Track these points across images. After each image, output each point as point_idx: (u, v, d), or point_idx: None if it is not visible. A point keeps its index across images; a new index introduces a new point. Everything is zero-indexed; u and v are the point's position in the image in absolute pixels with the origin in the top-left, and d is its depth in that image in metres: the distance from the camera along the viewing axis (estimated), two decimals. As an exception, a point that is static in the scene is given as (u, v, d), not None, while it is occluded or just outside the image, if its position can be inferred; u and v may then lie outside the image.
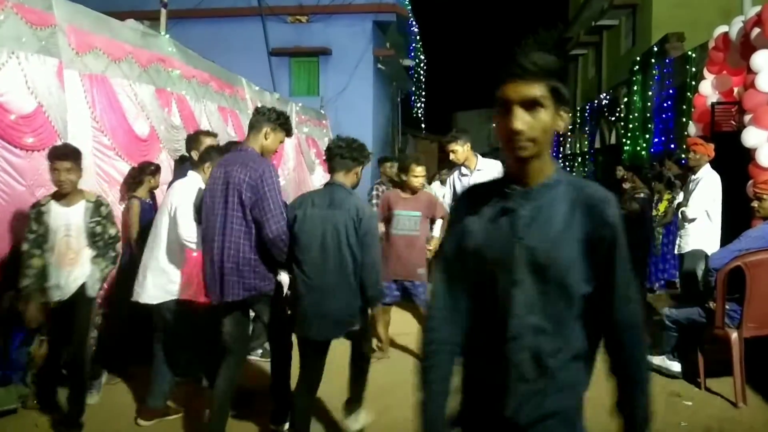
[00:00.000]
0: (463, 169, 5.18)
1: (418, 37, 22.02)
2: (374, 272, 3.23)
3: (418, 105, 24.69)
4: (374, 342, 4.00)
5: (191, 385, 4.33)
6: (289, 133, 3.65)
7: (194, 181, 3.88)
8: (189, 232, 3.67)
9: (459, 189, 5.22)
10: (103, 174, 5.27)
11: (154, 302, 3.83)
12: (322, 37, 16.32)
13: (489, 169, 5.03)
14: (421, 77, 23.98)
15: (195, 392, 4.26)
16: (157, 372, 3.94)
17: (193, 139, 4.64)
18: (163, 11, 7.17)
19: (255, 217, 3.29)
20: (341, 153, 3.36)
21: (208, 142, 4.46)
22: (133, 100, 5.69)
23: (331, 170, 3.41)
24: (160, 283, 3.82)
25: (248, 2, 16.02)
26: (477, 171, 5.08)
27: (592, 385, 1.68)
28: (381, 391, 4.12)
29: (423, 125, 25.93)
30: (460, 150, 5.05)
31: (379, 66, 17.25)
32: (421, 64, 23.50)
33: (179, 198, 3.77)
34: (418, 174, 5.00)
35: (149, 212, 4.77)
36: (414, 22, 20.56)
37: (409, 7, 19.01)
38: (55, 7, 4.76)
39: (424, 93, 24.97)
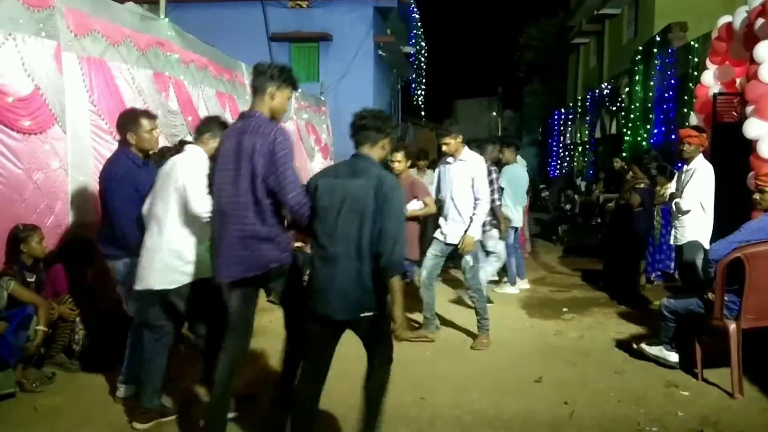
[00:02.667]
0: (449, 158, 5.39)
1: (419, 24, 21.90)
2: (392, 241, 2.93)
3: (419, 92, 24.60)
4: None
5: (186, 383, 4.15)
6: (295, 86, 3.36)
7: (197, 154, 3.59)
8: (204, 207, 3.36)
9: (443, 176, 5.47)
10: (100, 158, 5.24)
11: (170, 287, 3.49)
12: (322, 22, 16.23)
13: (471, 160, 5.33)
14: (422, 64, 23.87)
15: (190, 390, 4.09)
16: (149, 368, 3.66)
17: (130, 120, 4.02)
18: (163, -6, 7.11)
19: (271, 187, 3.10)
20: (364, 124, 3.14)
21: (146, 125, 3.98)
22: (131, 83, 5.66)
23: (357, 144, 3.18)
24: (173, 265, 3.48)
25: (248, -14, 15.90)
26: (460, 161, 5.32)
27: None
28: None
29: (423, 113, 25.83)
30: (453, 142, 5.29)
31: (380, 52, 17.17)
32: (422, 51, 23.39)
33: (186, 173, 3.46)
34: (395, 159, 5.67)
35: None
36: (415, 9, 20.43)
37: (411, -6, 18.88)
38: (54, -12, 4.72)
39: (424, 80, 24.85)
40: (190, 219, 3.46)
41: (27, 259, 4.26)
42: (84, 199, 5.04)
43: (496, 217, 6.40)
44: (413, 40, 21.28)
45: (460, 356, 4.97)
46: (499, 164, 7.94)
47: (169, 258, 3.49)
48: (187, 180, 3.43)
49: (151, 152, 4.16)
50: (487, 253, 6.50)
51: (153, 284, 3.52)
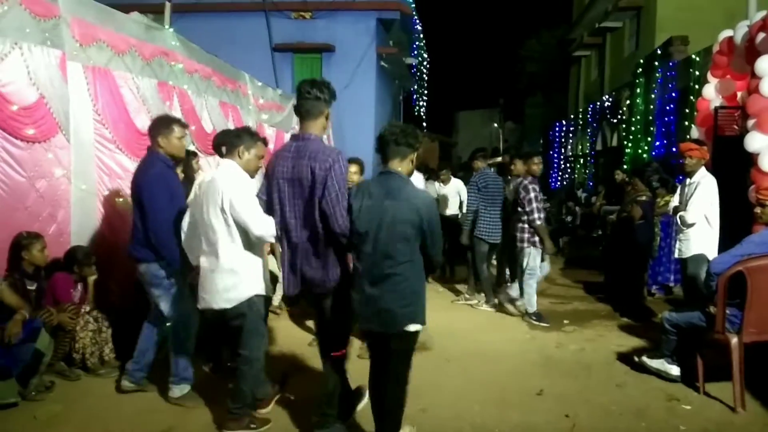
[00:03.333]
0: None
1: (421, 36, 22.00)
2: (437, 254, 3.15)
3: (420, 104, 24.66)
4: None
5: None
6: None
7: (236, 170, 3.55)
8: (266, 229, 3.38)
9: None
10: (104, 167, 5.26)
11: (228, 306, 3.52)
12: (325, 33, 16.30)
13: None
14: (424, 76, 23.95)
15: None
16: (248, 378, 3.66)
17: (164, 125, 4.14)
18: (168, 5, 7.14)
19: (323, 209, 3.20)
20: (396, 139, 3.18)
21: (178, 132, 4.12)
22: (135, 93, 5.68)
23: (385, 159, 3.24)
24: (231, 284, 3.50)
25: (252, -3, 16.01)
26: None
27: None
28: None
29: (425, 124, 25.90)
30: None
31: (382, 64, 17.23)
32: (424, 63, 23.47)
33: (234, 193, 3.41)
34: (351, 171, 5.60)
35: None
36: (417, 21, 20.53)
37: (413, 6, 18.98)
38: (60, -2, 4.75)
39: (426, 92, 24.94)
40: (243, 237, 3.48)
41: (28, 266, 4.27)
42: (86, 208, 5.06)
43: (537, 235, 6.40)
44: (416, 52, 21.36)
45: (461, 367, 4.95)
46: (504, 174, 7.98)
47: (227, 277, 3.49)
48: (237, 201, 3.41)
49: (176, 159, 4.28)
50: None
51: (213, 304, 3.55)
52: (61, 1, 4.75)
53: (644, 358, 4.78)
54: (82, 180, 5.00)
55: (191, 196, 3.79)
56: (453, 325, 6.18)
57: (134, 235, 4.10)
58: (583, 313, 7.03)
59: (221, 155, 3.83)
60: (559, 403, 4.22)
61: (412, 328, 3.14)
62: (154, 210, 3.91)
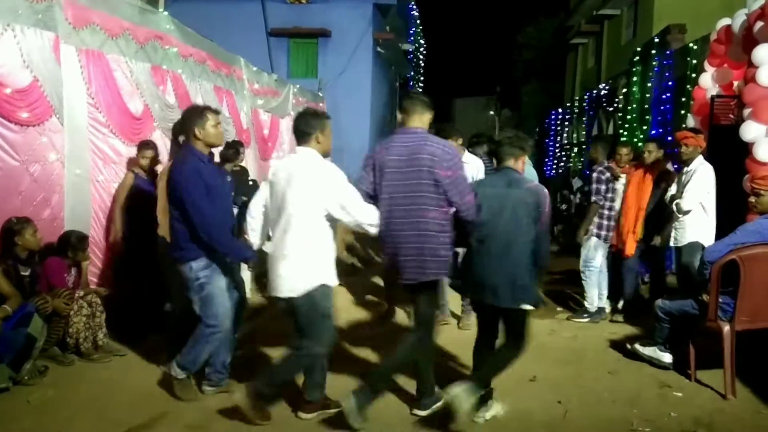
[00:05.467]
0: None
1: (418, 22, 21.90)
2: (547, 242, 3.69)
3: (417, 90, 24.59)
4: None
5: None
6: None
7: (321, 160, 3.53)
8: (373, 218, 3.51)
9: None
10: (97, 151, 5.23)
11: (295, 295, 3.45)
12: (321, 18, 16.22)
13: (472, 162, 5.76)
14: (420, 62, 23.88)
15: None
16: (309, 368, 3.67)
17: (196, 114, 3.85)
18: (162, -13, 7.09)
19: (451, 197, 3.49)
20: (510, 142, 3.73)
21: (212, 119, 3.83)
22: (129, 77, 5.64)
23: (501, 159, 3.75)
24: (298, 273, 3.45)
25: (248, -19, 15.87)
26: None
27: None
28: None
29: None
30: (454, 144, 5.43)
31: (379, 49, 17.16)
32: (421, 49, 23.40)
33: (332, 183, 3.42)
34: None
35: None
36: (414, 7, 20.42)
37: (410, -9, 18.87)
38: (52, -21, 4.69)
39: (422, 78, 24.87)
40: (320, 227, 3.47)
41: (21, 252, 4.25)
42: (80, 193, 5.03)
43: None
44: (412, 38, 21.29)
45: (454, 354, 4.97)
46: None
47: (295, 266, 3.45)
48: (342, 193, 3.44)
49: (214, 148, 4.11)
50: None
51: (279, 291, 3.51)
52: (53, -18, 4.70)
53: (637, 346, 4.81)
54: (76, 164, 4.98)
55: (264, 183, 3.72)
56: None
57: (175, 235, 3.83)
58: (577, 301, 7.05)
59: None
60: (552, 389, 4.25)
61: (525, 306, 3.54)
62: (195, 208, 3.65)
